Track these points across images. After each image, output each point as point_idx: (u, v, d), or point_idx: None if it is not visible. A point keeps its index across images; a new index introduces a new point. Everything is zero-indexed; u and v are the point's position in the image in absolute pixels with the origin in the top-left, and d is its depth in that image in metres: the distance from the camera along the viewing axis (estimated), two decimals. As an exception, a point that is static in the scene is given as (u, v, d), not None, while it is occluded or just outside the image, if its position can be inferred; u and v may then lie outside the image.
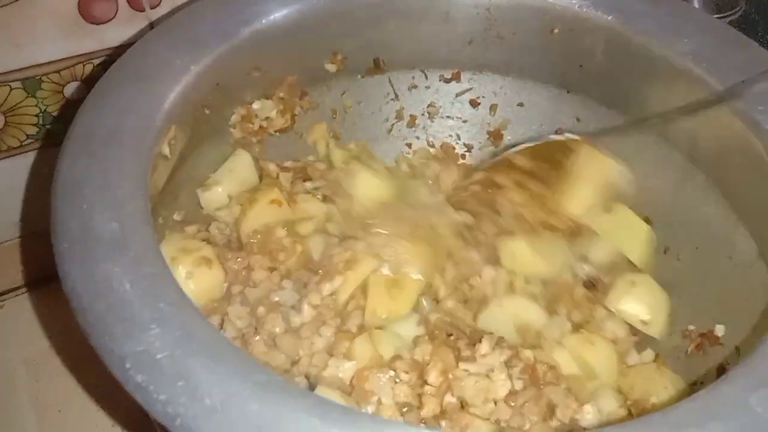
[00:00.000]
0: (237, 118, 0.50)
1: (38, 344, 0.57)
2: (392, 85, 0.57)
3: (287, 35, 0.48)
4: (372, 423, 0.28)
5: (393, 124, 0.59)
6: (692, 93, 0.45)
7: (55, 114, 0.54)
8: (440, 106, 0.58)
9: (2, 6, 0.46)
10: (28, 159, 0.56)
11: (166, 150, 0.40)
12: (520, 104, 0.57)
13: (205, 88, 0.44)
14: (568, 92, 0.54)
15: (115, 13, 0.51)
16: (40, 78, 0.52)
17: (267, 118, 0.52)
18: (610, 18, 0.48)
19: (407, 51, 0.55)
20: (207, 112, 0.46)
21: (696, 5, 0.62)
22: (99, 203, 0.34)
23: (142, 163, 0.37)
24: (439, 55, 0.55)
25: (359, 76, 0.55)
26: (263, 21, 0.46)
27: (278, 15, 0.47)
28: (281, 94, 0.52)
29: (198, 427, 0.27)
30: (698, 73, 0.45)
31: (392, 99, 0.57)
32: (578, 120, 0.55)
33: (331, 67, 0.53)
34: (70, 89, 0.53)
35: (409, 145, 0.59)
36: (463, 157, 0.60)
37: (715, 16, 0.61)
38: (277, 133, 0.54)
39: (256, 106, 0.51)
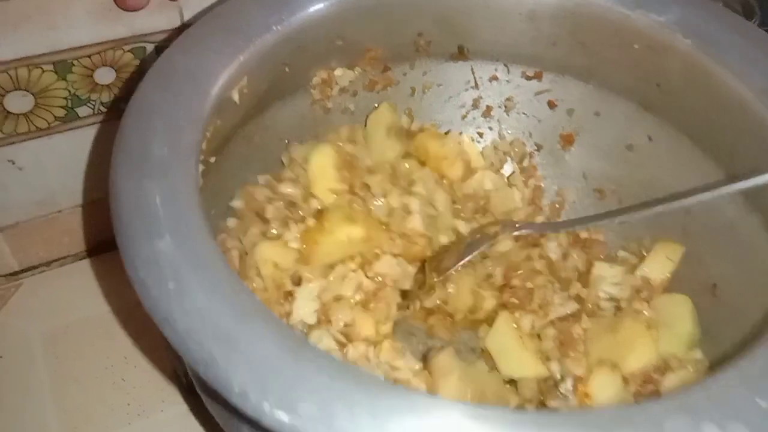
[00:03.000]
0: (318, 80, 0.54)
1: (57, 321, 0.60)
2: (474, 74, 0.59)
3: (374, 10, 0.52)
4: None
5: (468, 111, 0.61)
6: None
7: (83, 97, 0.55)
8: (518, 102, 0.59)
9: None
10: (53, 141, 0.57)
11: (235, 96, 0.46)
12: (597, 113, 0.57)
13: (285, 49, 0.49)
14: (645, 110, 0.54)
15: (148, 1, 0.52)
16: (72, 62, 0.53)
17: (346, 86, 0.56)
18: (688, 42, 0.47)
19: (493, 43, 0.56)
20: (287, 70, 0.51)
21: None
22: (160, 129, 0.40)
23: (208, 103, 0.43)
24: (523, 51, 0.56)
25: (443, 60, 0.58)
26: (352, -7, 0.50)
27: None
28: (363, 66, 0.55)
29: (176, 322, 0.32)
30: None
31: (471, 87, 0.59)
32: (650, 139, 0.54)
33: (415, 47, 0.56)
34: (99, 74, 0.55)
35: (481, 134, 0.61)
36: (532, 155, 0.61)
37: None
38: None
39: (337, 72, 0.55)
